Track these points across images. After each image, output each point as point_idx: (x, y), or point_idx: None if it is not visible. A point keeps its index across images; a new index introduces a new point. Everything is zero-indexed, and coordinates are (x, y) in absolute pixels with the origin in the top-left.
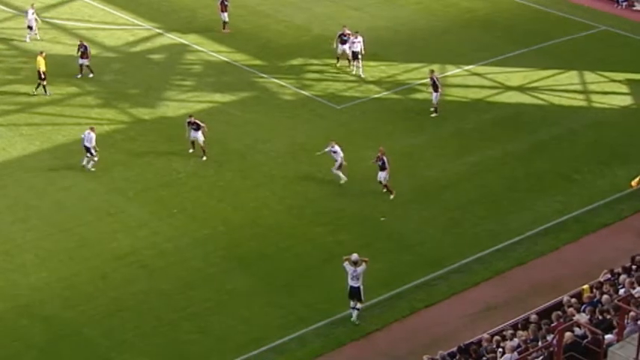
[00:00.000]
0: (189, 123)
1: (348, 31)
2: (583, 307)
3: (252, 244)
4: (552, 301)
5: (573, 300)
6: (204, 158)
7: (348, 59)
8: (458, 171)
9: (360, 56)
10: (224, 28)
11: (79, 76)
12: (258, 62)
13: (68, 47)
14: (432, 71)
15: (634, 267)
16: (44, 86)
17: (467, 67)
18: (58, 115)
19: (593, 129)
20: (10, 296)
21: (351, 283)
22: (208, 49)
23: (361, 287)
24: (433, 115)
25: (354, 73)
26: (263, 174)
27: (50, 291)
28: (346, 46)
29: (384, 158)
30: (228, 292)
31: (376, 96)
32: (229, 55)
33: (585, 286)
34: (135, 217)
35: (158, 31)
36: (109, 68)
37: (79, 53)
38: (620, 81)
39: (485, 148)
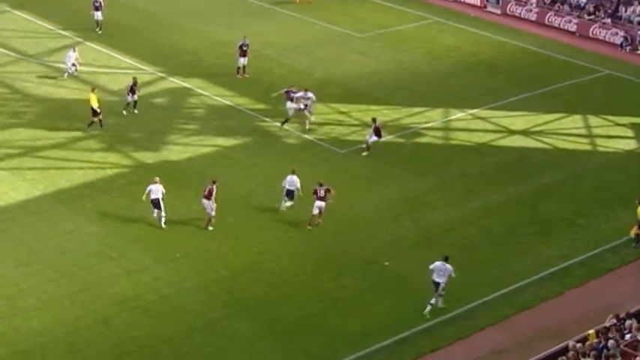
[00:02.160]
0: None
1: (294, 89)
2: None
3: (254, 289)
4: (558, 346)
5: (579, 345)
6: (210, 229)
7: (300, 109)
8: (462, 215)
9: (307, 113)
10: (238, 73)
11: (125, 112)
12: (261, 106)
13: (71, 91)
14: (374, 119)
15: None
16: (100, 120)
17: (471, 111)
18: (61, 159)
19: (597, 173)
20: (12, 341)
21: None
22: (212, 93)
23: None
24: (364, 153)
25: (307, 128)
26: (266, 218)
27: (52, 336)
28: (293, 104)
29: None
30: (229, 338)
31: (380, 140)
32: (233, 99)
33: (591, 332)
34: (137, 262)
35: (161, 74)
36: (112, 112)
37: (129, 89)
38: (624, 125)
39: (489, 192)
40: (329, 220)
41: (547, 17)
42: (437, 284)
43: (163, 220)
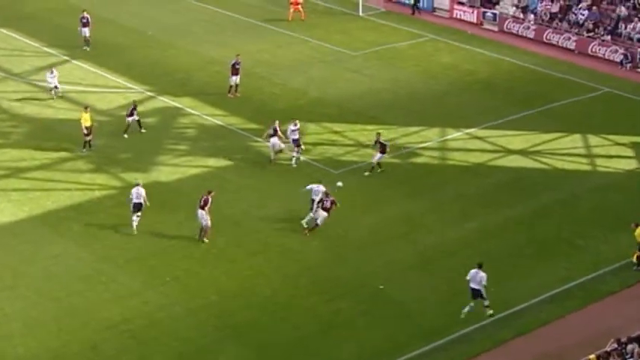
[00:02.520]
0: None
1: (277, 127)
2: None
3: (246, 313)
4: None
5: None
6: (206, 241)
7: (280, 150)
8: (459, 237)
9: (300, 143)
10: (230, 92)
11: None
12: (253, 126)
13: (57, 111)
14: (379, 134)
15: None
16: (89, 141)
17: (467, 131)
18: (48, 180)
19: (597, 193)
20: None
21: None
22: (202, 113)
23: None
24: (379, 170)
25: (293, 164)
26: (258, 241)
27: None
28: (276, 140)
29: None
30: None
31: (375, 160)
32: (224, 118)
33: (592, 356)
34: (126, 286)
35: (150, 94)
36: (101, 132)
37: (129, 112)
38: (624, 144)
39: (486, 213)
40: (322, 241)
41: (545, 34)
42: (474, 291)
43: (136, 223)
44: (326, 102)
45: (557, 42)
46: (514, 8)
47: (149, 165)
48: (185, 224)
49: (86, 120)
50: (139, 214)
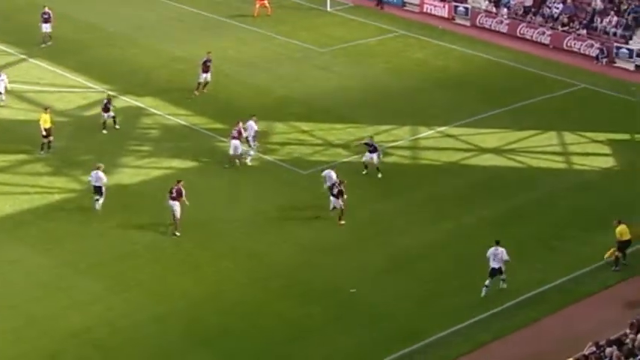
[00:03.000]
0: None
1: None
2: None
3: (214, 320)
4: None
5: None
6: (178, 234)
7: (240, 155)
8: (432, 238)
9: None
10: (197, 89)
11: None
12: (218, 125)
13: (15, 111)
14: (371, 137)
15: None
16: (49, 143)
17: (440, 129)
18: (5, 183)
19: (574, 193)
20: None
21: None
22: (165, 113)
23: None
24: (379, 175)
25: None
26: (225, 244)
27: None
28: (237, 142)
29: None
30: None
31: (345, 160)
32: (188, 118)
33: None
34: (87, 292)
35: (112, 93)
36: (60, 134)
37: (103, 107)
38: (601, 141)
39: (460, 214)
40: (292, 244)
41: (519, 29)
42: (494, 270)
43: (99, 204)
44: (293, 100)
45: (532, 36)
46: (486, 2)
47: (111, 167)
48: (149, 227)
49: (46, 121)
50: (98, 197)
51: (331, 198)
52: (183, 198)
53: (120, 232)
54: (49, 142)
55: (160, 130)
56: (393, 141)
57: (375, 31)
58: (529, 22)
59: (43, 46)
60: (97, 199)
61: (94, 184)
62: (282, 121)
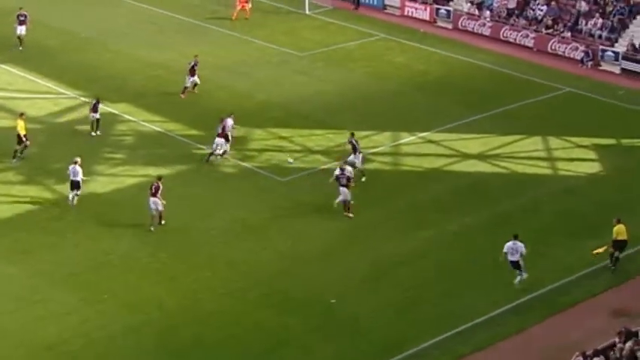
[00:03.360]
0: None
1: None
2: None
3: (190, 330)
4: None
5: None
6: (163, 222)
7: (224, 152)
8: (414, 246)
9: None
10: (183, 93)
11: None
12: (194, 132)
13: None
14: (352, 134)
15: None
16: (24, 148)
17: (421, 134)
18: None
19: (559, 198)
20: None
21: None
22: (140, 119)
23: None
24: (363, 179)
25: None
26: (203, 254)
27: None
28: (221, 140)
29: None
30: None
31: (324, 167)
32: (163, 124)
33: None
34: (62, 304)
35: (85, 99)
36: (32, 141)
37: (92, 106)
38: (587, 146)
39: (442, 220)
40: (271, 254)
41: (502, 32)
42: (513, 263)
43: (76, 198)
44: (272, 106)
45: (515, 39)
46: (469, 5)
47: (85, 175)
48: (124, 237)
49: (21, 128)
50: (78, 192)
51: (340, 189)
52: (159, 196)
53: (94, 242)
54: (25, 147)
55: (135, 136)
56: (374, 147)
57: (355, 34)
58: (512, 25)
59: (21, 49)
60: (76, 194)
61: (72, 178)
62: (261, 127)
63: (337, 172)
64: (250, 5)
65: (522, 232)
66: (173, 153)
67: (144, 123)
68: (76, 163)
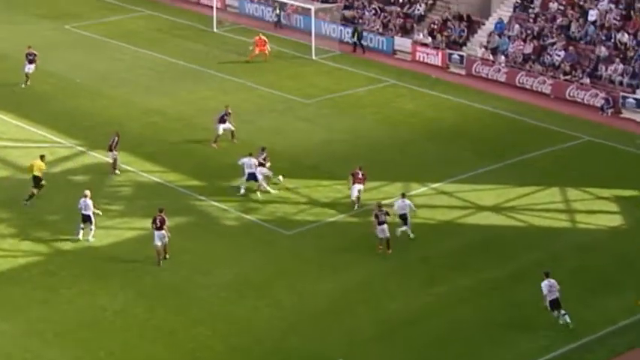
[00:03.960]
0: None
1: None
2: None
3: None
4: None
5: None
6: (168, 257)
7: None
8: (425, 303)
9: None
10: (216, 142)
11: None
12: (195, 183)
13: None
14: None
15: None
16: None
17: (433, 185)
18: None
19: (578, 253)
20: None
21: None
22: (138, 169)
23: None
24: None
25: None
26: (202, 310)
27: None
28: (265, 170)
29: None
30: None
31: (331, 219)
32: (162, 175)
33: None
34: None
35: (80, 148)
36: (25, 192)
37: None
38: (607, 198)
39: (456, 276)
40: (275, 310)
41: (518, 78)
42: (554, 301)
43: (91, 233)
44: (276, 155)
45: (532, 86)
46: (483, 49)
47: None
48: (120, 293)
49: (39, 169)
50: (91, 226)
51: (380, 227)
52: (166, 227)
53: (89, 297)
54: (41, 187)
55: (133, 187)
56: (384, 198)
57: (364, 80)
58: (528, 71)
59: (23, 86)
60: (91, 229)
61: (83, 212)
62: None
63: (375, 210)
64: (269, 48)
65: (539, 288)
66: (172, 205)
67: (142, 173)
68: (86, 196)
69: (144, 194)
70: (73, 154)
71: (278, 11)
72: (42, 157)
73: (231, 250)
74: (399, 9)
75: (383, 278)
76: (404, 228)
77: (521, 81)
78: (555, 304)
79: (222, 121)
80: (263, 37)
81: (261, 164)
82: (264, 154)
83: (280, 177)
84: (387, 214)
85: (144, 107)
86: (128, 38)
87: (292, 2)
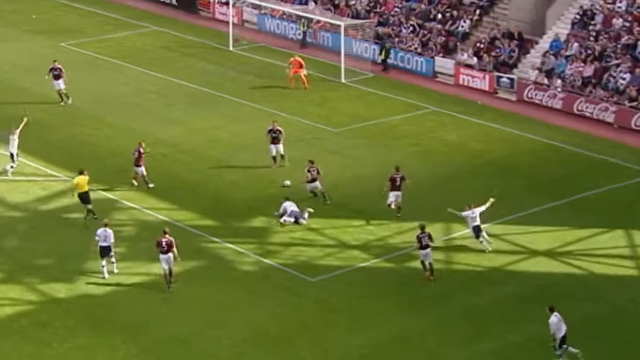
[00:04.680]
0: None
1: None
2: None
3: None
4: None
5: None
6: (175, 284)
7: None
8: None
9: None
10: (276, 163)
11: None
12: (207, 222)
13: None
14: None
15: None
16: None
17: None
18: None
19: None
20: None
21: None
22: (143, 206)
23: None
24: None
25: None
26: None
27: None
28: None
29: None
30: None
31: (362, 265)
32: (170, 213)
33: None
34: None
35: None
36: (13, 231)
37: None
38: None
39: (505, 331)
40: None
41: (576, 104)
42: (563, 339)
43: (115, 265)
44: (300, 191)
45: (592, 113)
46: (536, 72)
47: (75, 274)
48: (122, 348)
49: (82, 185)
50: (112, 259)
51: (423, 251)
52: (174, 250)
53: (85, 353)
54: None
55: (137, 227)
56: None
57: (400, 107)
58: (588, 96)
59: (63, 104)
60: (112, 262)
61: (101, 244)
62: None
63: (418, 232)
64: (305, 72)
65: (600, 344)
66: (181, 247)
67: (147, 211)
68: (106, 225)
69: (149, 235)
70: (68, 189)
71: (304, 28)
72: (82, 173)
73: (247, 298)
74: (440, 26)
75: (421, 333)
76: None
77: (580, 108)
78: (564, 341)
79: (273, 140)
80: (298, 59)
81: (313, 179)
82: (314, 167)
83: (287, 181)
84: (431, 237)
85: (150, 136)
86: (132, 58)
87: (319, 18)
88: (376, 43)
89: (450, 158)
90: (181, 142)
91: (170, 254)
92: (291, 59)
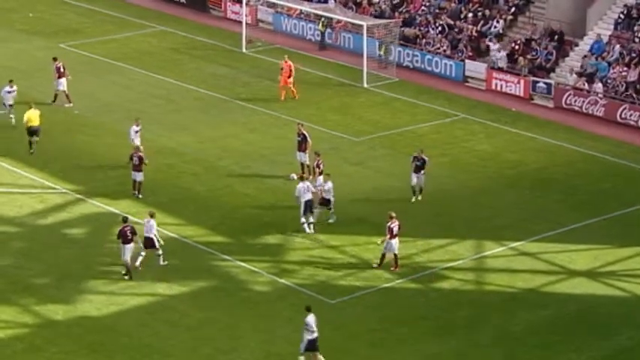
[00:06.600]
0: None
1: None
2: None
3: None
4: None
5: None
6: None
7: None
8: None
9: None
10: (308, 173)
11: None
12: (218, 239)
13: None
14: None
15: None
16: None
17: (513, 244)
18: None
19: None
20: None
21: None
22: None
23: None
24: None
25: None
26: None
27: None
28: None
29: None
30: None
31: (386, 285)
32: (178, 228)
33: None
34: None
35: (77, 195)
36: (6, 248)
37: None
38: None
39: (541, 357)
40: None
41: (619, 112)
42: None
43: (161, 258)
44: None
45: (636, 122)
46: (575, 76)
47: (74, 293)
48: None
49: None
50: (158, 251)
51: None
52: (136, 237)
53: None
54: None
55: (141, 244)
56: (450, 260)
57: (427, 114)
58: (632, 103)
59: (67, 106)
60: (158, 254)
61: (145, 235)
62: (303, 233)
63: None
64: (292, 80)
65: None
66: (189, 265)
67: None
68: (152, 216)
69: (153, 253)
70: (67, 202)
71: (323, 28)
72: (30, 107)
73: (261, 321)
74: (471, 26)
75: (451, 359)
76: None
77: (623, 115)
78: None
79: (301, 147)
80: (289, 63)
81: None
82: (319, 159)
83: (294, 175)
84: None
85: (156, 146)
86: (137, 60)
87: (340, 17)
88: (402, 45)
89: (480, 170)
90: (190, 151)
91: (133, 244)
92: (282, 62)
